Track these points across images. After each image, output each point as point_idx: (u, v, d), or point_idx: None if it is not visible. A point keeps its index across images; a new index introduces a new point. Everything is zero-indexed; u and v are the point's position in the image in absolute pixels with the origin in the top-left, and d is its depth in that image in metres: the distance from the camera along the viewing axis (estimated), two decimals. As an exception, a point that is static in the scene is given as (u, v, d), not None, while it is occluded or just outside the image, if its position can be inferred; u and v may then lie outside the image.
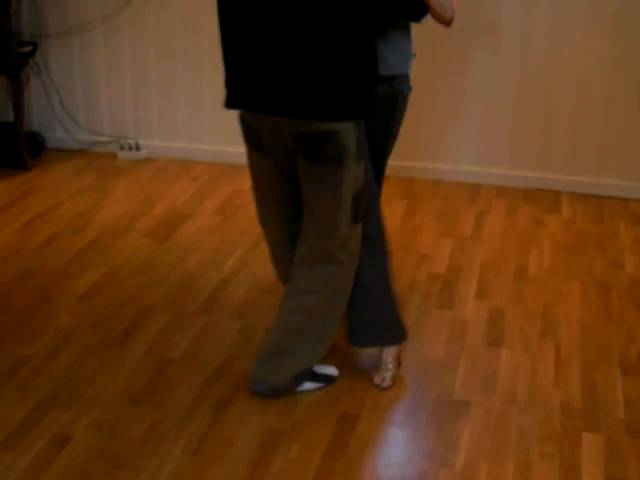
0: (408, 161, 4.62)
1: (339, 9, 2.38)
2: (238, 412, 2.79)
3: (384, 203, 3.01)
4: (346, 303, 2.86)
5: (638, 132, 4.43)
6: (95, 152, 5.06)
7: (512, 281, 3.66)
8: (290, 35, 2.41)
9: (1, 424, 2.70)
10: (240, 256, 3.85)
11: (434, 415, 2.80)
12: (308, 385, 2.89)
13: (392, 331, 2.99)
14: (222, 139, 4.84)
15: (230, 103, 2.63)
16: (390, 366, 2.96)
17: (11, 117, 4.84)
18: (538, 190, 4.60)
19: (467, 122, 4.61)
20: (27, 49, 4.78)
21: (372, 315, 2.94)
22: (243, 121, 2.70)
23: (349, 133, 2.54)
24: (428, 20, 2.75)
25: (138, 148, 5.01)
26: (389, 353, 2.98)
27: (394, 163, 3.02)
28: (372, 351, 3.03)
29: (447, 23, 2.75)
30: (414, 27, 2.83)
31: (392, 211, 4.26)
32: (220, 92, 2.66)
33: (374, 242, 2.86)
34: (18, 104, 4.74)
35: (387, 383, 2.94)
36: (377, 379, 2.95)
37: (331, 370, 2.97)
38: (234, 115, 2.72)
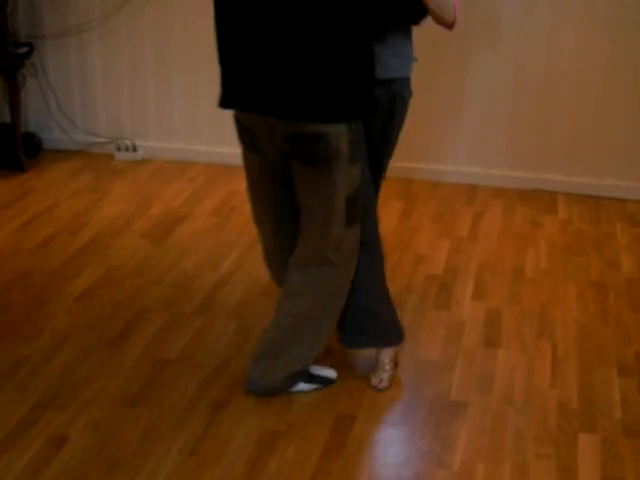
0: (406, 162, 4.60)
1: (333, 12, 2.37)
2: (235, 413, 2.79)
3: (381, 204, 3.01)
4: (342, 305, 2.85)
5: (636, 132, 4.43)
6: (92, 153, 5.05)
7: (509, 282, 3.67)
8: (283, 36, 2.41)
9: (-1, 424, 2.71)
10: (236, 257, 3.85)
11: (431, 416, 2.80)
12: (303, 386, 2.89)
13: (389, 332, 2.99)
14: (219, 140, 4.84)
15: (224, 103, 2.63)
16: (387, 367, 2.96)
17: (7, 118, 4.83)
18: (535, 191, 4.60)
19: (466, 123, 4.60)
20: (23, 50, 4.77)
21: (369, 317, 2.93)
22: (238, 121, 2.69)
23: (341, 135, 2.53)
24: (427, 22, 2.72)
25: (135, 149, 5.01)
26: (386, 354, 2.98)
27: (392, 164, 3.01)
28: (369, 352, 3.03)
29: (449, 25, 2.70)
30: (414, 29, 2.80)
31: (389, 212, 4.26)
32: (217, 94, 2.65)
33: (369, 245, 2.84)
34: (14, 105, 4.73)
35: (384, 384, 2.94)
36: (374, 380, 2.95)
37: (329, 372, 2.97)
38: (230, 116, 2.72)
